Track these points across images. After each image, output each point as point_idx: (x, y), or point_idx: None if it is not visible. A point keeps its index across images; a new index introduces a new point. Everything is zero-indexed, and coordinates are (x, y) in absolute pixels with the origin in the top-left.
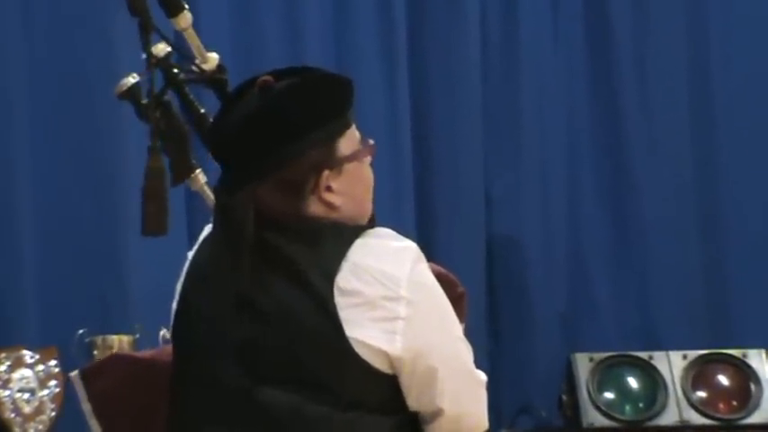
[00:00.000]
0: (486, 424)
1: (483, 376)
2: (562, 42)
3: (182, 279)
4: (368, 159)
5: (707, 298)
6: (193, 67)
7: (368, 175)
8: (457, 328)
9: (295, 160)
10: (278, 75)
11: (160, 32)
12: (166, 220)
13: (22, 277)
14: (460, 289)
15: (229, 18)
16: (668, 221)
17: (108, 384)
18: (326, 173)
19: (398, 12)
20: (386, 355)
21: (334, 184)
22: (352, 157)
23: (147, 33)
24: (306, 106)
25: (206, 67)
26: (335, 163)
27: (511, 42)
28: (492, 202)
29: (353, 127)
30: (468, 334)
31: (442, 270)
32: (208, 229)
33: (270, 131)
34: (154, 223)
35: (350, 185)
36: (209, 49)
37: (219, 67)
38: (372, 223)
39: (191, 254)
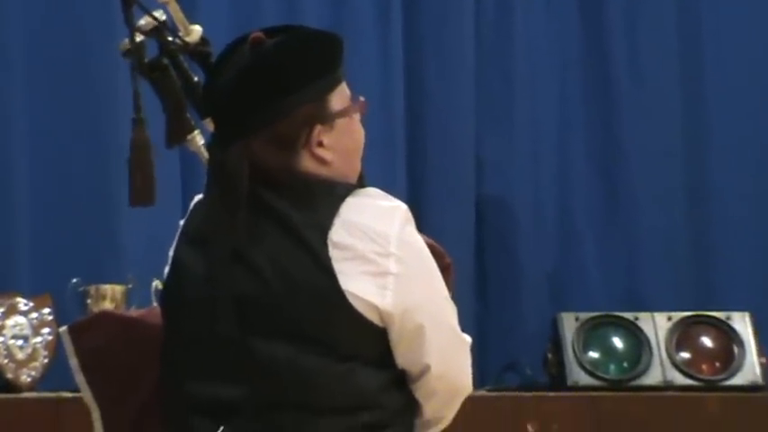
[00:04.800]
0: (469, 384)
1: (468, 338)
2: (555, 7)
3: (174, 245)
4: (358, 116)
5: (693, 261)
6: (177, 40)
7: (359, 131)
8: (443, 288)
9: (287, 114)
10: (269, 32)
11: (141, 5)
12: (154, 191)
13: (17, 226)
14: (448, 259)
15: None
16: (656, 186)
17: (96, 340)
18: (318, 127)
19: None
20: (377, 308)
21: (325, 139)
22: (344, 113)
23: (129, 6)
24: (297, 62)
25: (189, 39)
26: (327, 118)
27: (504, 7)
28: (482, 164)
29: (344, 83)
30: (456, 297)
31: (431, 240)
32: (198, 197)
33: (262, 86)
34: (141, 195)
35: (341, 141)
36: (200, 16)
37: (202, 39)
38: (362, 182)
39: (182, 222)
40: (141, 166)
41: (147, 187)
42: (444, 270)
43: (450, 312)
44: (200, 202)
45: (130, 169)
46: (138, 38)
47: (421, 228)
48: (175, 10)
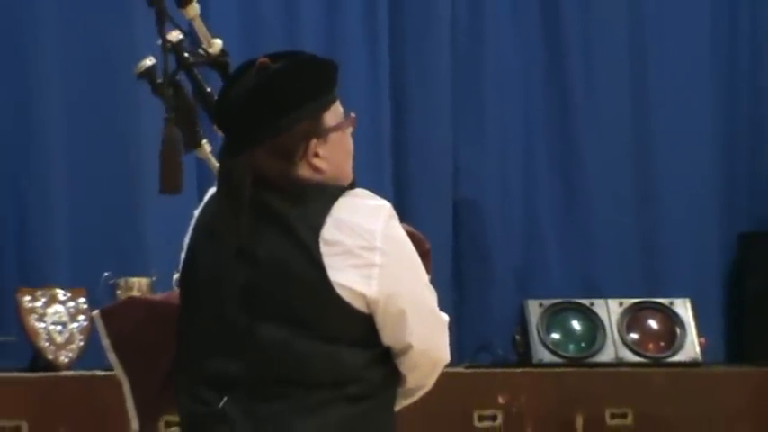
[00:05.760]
0: (447, 357)
1: (445, 317)
2: (521, 36)
3: (189, 234)
4: (350, 130)
5: (641, 254)
6: (200, 51)
7: (349, 143)
8: (423, 276)
9: (288, 130)
10: (274, 57)
11: (173, 21)
12: (181, 181)
13: (56, 229)
14: (427, 245)
15: (238, 6)
16: (609, 190)
17: (125, 323)
18: (314, 141)
19: (381, 11)
20: (363, 296)
21: (320, 151)
22: (337, 128)
23: (162, 21)
24: (297, 84)
25: (211, 51)
26: (322, 133)
27: (476, 38)
28: (458, 172)
29: (338, 102)
30: (435, 283)
31: (412, 229)
32: (211, 191)
33: (267, 105)
34: (169, 184)
35: (334, 152)
36: (218, 34)
37: (223, 51)
38: (353, 185)
39: (196, 212)
40: (170, 158)
41: (175, 178)
42: (424, 255)
43: (429, 297)
44: (212, 197)
45: (161, 162)
46: (151, 62)
47: (406, 223)
48: (200, 25)
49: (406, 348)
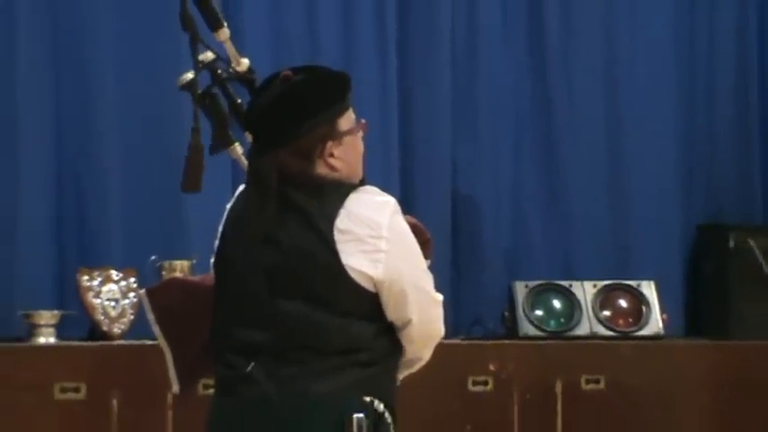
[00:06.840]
0: (441, 331)
1: (440, 297)
2: (510, 50)
3: (222, 223)
4: (361, 134)
5: (613, 242)
6: (230, 69)
7: (360, 145)
8: (422, 262)
9: (307, 133)
10: (295, 70)
11: (204, 43)
12: (200, 183)
13: (111, 218)
14: (428, 234)
15: (269, 24)
16: (586, 187)
17: (167, 300)
18: (330, 143)
19: (390, 28)
20: (371, 278)
21: (335, 152)
22: (350, 132)
23: (195, 44)
24: (316, 94)
25: (240, 69)
26: (337, 136)
27: (472, 51)
28: (456, 169)
29: (351, 110)
30: (435, 266)
31: (415, 220)
32: (241, 188)
33: (289, 112)
34: (190, 184)
35: (347, 153)
36: (252, 48)
37: (250, 69)
38: (363, 182)
39: (228, 206)
40: (193, 163)
41: (196, 180)
42: (426, 243)
43: (426, 279)
44: (242, 192)
45: (185, 165)
46: (192, 75)
47: (410, 214)
48: (230, 47)
49: (407, 323)
